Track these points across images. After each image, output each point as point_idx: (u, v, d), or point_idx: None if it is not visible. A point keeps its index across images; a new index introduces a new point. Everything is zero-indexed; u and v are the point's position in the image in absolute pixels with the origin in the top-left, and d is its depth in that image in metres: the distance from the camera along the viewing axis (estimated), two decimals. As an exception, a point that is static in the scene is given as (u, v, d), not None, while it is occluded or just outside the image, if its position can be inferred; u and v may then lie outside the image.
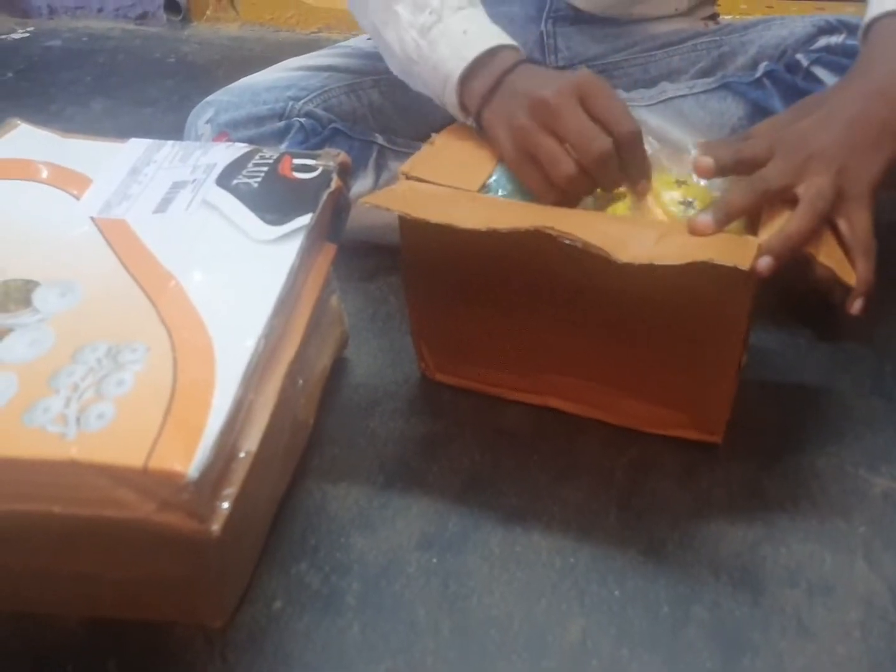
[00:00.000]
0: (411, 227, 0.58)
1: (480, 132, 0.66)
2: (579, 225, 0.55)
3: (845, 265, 0.58)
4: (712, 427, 0.63)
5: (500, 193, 0.63)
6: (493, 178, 0.64)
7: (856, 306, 0.59)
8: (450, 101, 0.66)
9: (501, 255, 0.58)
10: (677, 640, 0.52)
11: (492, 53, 0.64)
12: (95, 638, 0.52)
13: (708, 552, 0.57)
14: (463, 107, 0.66)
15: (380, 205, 0.58)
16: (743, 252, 0.52)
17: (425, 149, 0.66)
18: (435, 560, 0.56)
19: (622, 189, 0.61)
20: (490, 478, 0.62)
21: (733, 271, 0.51)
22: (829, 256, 0.58)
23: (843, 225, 0.58)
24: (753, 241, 0.54)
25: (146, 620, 0.52)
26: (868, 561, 0.56)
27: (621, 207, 0.62)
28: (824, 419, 0.67)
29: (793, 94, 0.75)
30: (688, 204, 0.60)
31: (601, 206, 0.62)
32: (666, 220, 0.60)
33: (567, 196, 0.60)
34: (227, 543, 0.47)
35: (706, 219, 0.55)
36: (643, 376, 0.62)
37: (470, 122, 0.67)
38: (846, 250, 0.58)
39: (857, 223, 0.57)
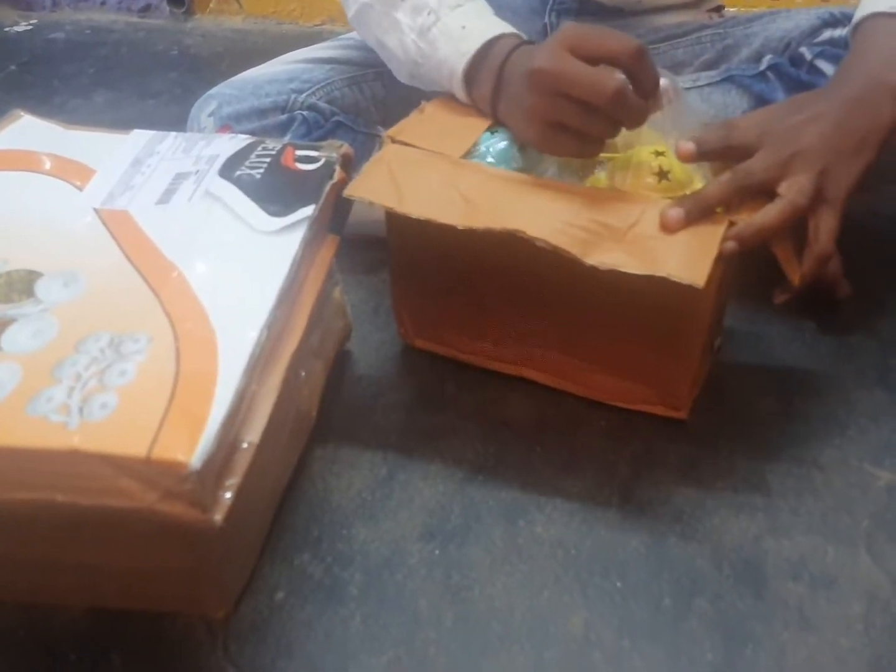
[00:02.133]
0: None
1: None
2: (552, 217, 0.56)
3: (793, 260, 0.60)
4: (678, 402, 0.64)
5: (488, 161, 0.63)
6: (482, 146, 0.64)
7: (781, 299, 0.63)
8: (461, 96, 0.66)
9: (479, 243, 0.59)
10: (679, 632, 0.52)
11: (490, 45, 0.63)
12: (99, 628, 0.52)
13: (710, 544, 0.57)
14: (477, 100, 0.66)
15: (363, 196, 0.58)
16: (702, 261, 0.53)
17: (414, 115, 0.67)
18: (437, 551, 0.56)
19: (605, 155, 0.61)
20: (493, 470, 0.62)
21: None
22: (781, 246, 0.59)
23: (811, 225, 0.58)
24: (717, 236, 0.55)
25: (149, 610, 0.52)
26: (871, 554, 0.56)
27: (602, 179, 0.62)
28: (828, 412, 0.66)
29: (796, 87, 0.75)
30: (663, 175, 0.60)
31: (583, 177, 0.62)
32: (642, 195, 0.60)
33: (602, 144, 0.59)
34: (230, 534, 0.47)
35: (678, 213, 0.55)
36: (612, 351, 0.63)
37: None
38: (805, 248, 0.59)
39: (823, 227, 0.58)
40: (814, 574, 0.55)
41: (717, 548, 0.56)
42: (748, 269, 0.64)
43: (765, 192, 0.57)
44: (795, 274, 0.60)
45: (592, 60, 0.56)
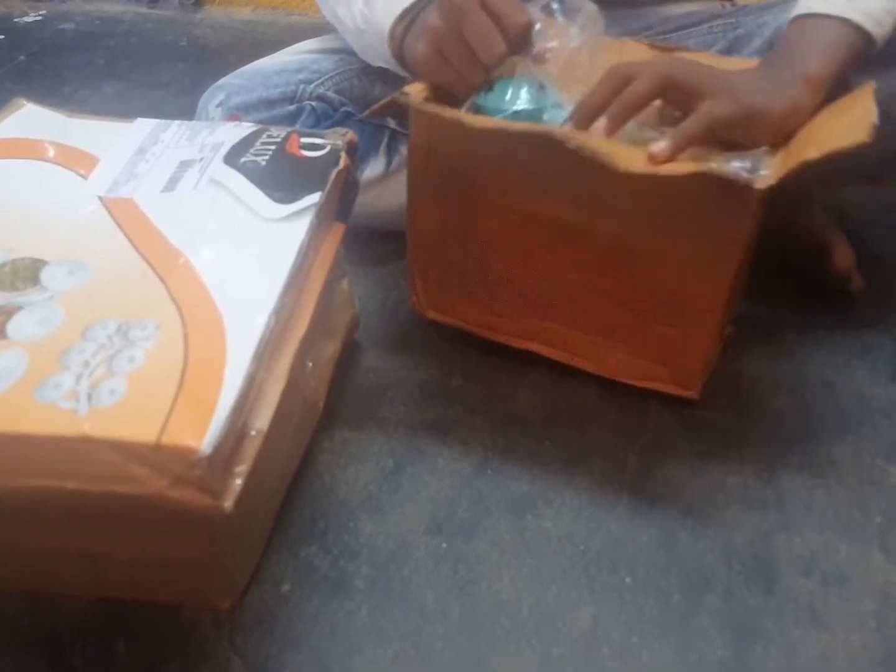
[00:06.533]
0: (422, 129, 0.61)
1: (409, 74, 0.67)
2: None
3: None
4: (690, 381, 0.64)
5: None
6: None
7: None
8: (389, 58, 0.68)
9: (499, 211, 0.60)
10: (689, 628, 0.51)
11: (419, 4, 0.65)
12: (104, 618, 0.52)
13: (721, 540, 0.56)
14: (395, 55, 0.67)
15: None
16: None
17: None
18: (444, 545, 0.56)
19: None
20: (501, 463, 0.62)
21: (731, 188, 0.52)
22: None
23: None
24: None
25: (155, 601, 0.52)
26: (884, 551, 0.55)
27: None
28: (841, 408, 0.66)
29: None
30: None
31: None
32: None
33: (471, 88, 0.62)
34: (238, 522, 0.47)
35: (663, 145, 0.55)
36: (625, 327, 0.63)
37: (404, 71, 0.68)
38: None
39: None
40: (825, 571, 0.54)
41: (728, 543, 0.56)
42: (762, 265, 0.64)
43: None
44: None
45: (494, 17, 0.59)
